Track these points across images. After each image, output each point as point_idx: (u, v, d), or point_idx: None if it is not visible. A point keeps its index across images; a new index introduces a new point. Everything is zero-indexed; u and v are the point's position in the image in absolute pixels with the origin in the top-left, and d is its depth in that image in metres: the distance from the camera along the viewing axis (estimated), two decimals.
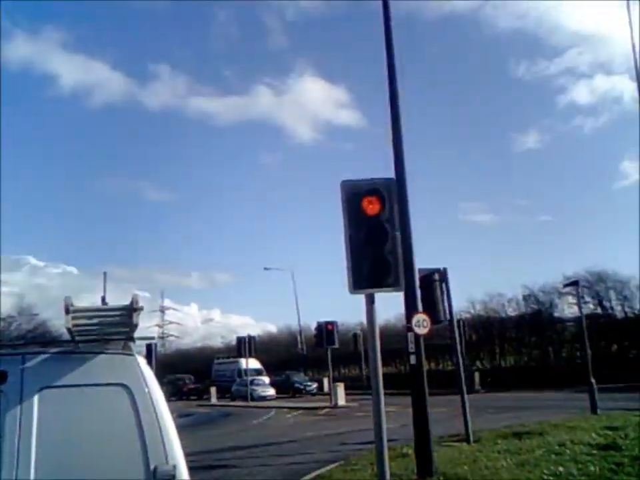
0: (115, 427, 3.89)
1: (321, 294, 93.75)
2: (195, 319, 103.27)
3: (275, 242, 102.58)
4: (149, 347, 23.64)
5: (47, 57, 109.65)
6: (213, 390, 47.14)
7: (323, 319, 33.44)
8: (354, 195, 7.08)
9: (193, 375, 57.51)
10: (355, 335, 45.54)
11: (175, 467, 3.82)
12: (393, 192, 7.28)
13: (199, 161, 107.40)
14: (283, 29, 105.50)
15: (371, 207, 7.04)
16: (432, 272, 12.41)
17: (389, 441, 6.76)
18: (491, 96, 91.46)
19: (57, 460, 3.72)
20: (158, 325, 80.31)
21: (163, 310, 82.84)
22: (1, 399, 3.81)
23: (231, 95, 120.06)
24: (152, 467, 3.77)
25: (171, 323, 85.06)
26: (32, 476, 3.62)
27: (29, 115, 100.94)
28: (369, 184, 7.19)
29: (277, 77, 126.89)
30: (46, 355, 4.08)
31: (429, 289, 12.09)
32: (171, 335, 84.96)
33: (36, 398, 3.84)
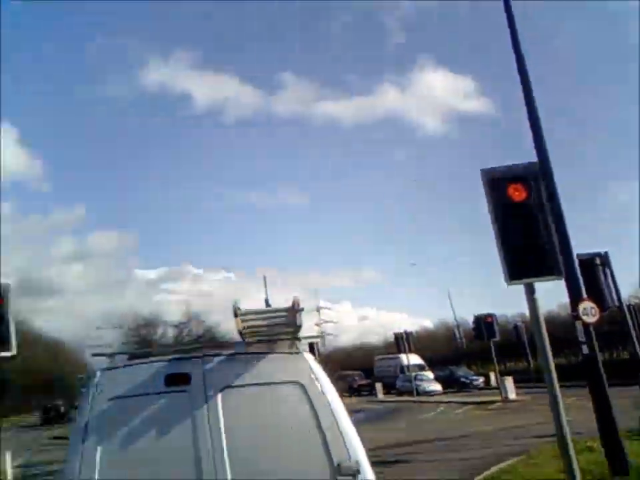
0: (295, 424, 3.98)
1: (474, 286, 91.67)
2: (350, 317, 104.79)
3: (418, 237, 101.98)
4: (311, 345, 24.20)
5: (181, 77, 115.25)
6: (379, 386, 47.35)
7: (477, 312, 32.74)
8: (497, 182, 6.83)
9: (352, 371, 58.00)
10: (516, 327, 43.81)
11: (357, 462, 3.84)
12: (538, 177, 6.96)
13: (330, 163, 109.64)
14: (400, 26, 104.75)
15: (517, 194, 6.76)
16: (592, 256, 11.51)
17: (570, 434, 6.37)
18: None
19: (247, 456, 3.87)
20: (316, 324, 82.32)
21: (318, 309, 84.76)
22: (187, 399, 4.03)
23: (357, 96, 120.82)
24: (335, 463, 3.81)
25: (327, 322, 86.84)
26: (228, 472, 3.80)
27: (167, 133, 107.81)
28: (512, 170, 6.90)
29: (399, 73, 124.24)
30: (222, 357, 4.27)
31: (592, 275, 11.22)
32: (329, 334, 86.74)
33: (218, 397, 4.03)
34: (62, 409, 50.90)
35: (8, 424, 52.29)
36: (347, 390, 49.02)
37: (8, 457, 12.31)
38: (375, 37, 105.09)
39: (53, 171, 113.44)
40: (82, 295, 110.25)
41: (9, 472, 12.00)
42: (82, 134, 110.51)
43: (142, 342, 50.61)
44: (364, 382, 54.25)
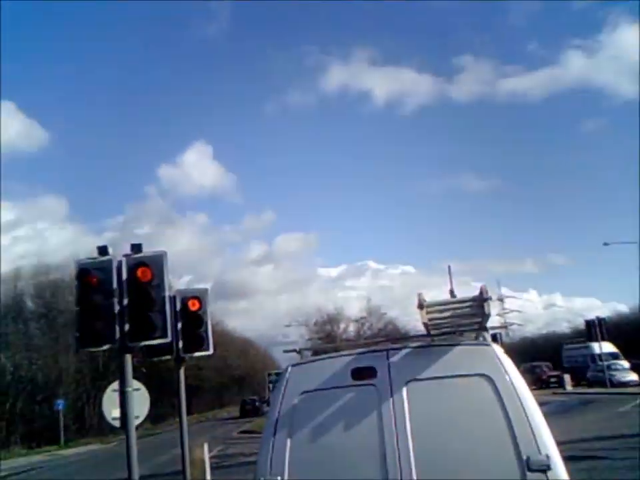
0: (481, 417, 3.91)
1: None
2: (536, 305, 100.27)
3: (611, 215, 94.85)
4: (494, 336, 23.58)
5: (360, 76, 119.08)
6: (567, 377, 44.83)
7: None
8: None
9: (540, 362, 55.37)
10: None
11: (548, 456, 3.69)
12: None
13: (515, 143, 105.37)
14: None
15: None
16: None
17: None
18: None
19: (432, 449, 3.86)
20: (499, 315, 79.75)
21: (501, 299, 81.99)
22: (373, 392, 4.10)
23: (540, 68, 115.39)
24: (524, 457, 3.70)
25: (511, 311, 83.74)
26: (413, 465, 3.82)
27: (346, 134, 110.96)
28: None
29: (586, 36, 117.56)
30: (407, 350, 4.28)
31: None
32: (513, 323, 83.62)
33: (404, 390, 4.05)
34: (256, 403, 54.46)
35: (203, 418, 56.75)
36: (535, 382, 46.68)
37: (205, 448, 13.31)
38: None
39: (244, 182, 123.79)
40: (271, 295, 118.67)
41: (207, 462, 12.96)
42: (268, 145, 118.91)
43: (326, 337, 52.45)
44: (553, 373, 51.34)
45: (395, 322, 62.81)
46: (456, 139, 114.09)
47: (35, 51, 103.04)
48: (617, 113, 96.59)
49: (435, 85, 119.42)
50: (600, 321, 40.45)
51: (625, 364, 44.13)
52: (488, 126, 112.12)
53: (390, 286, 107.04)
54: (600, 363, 41.15)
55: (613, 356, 44.83)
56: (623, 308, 69.79)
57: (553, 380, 49.12)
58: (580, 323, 47.44)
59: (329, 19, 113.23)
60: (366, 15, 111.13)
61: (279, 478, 3.99)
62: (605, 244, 53.92)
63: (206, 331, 9.37)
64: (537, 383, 45.99)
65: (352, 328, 59.85)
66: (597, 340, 39.95)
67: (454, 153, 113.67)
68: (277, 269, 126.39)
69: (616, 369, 41.88)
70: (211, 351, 9.71)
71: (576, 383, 44.88)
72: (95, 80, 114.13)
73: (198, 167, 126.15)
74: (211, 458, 14.28)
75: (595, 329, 39.72)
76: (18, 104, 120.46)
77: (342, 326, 60.09)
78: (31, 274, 54.44)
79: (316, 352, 5.42)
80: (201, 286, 9.91)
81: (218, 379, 73.15)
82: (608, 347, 43.19)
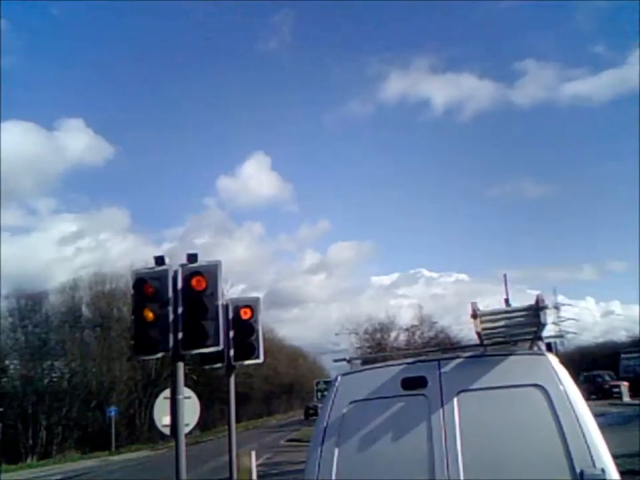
0: (534, 428, 3.83)
1: None
2: (593, 313, 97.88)
3: None
4: (548, 345, 23.04)
5: (419, 84, 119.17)
6: (624, 387, 43.38)
7: None
8: None
9: (601, 370, 53.57)
10: None
11: (604, 470, 3.59)
12: None
13: (576, 148, 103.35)
14: None
15: None
16: None
17: None
18: None
19: (482, 460, 3.80)
20: (554, 323, 77.98)
21: (557, 307, 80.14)
22: (423, 402, 4.08)
23: (605, 70, 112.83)
24: (578, 470, 3.61)
25: (567, 319, 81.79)
26: (462, 475, 3.78)
27: (403, 143, 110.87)
28: None
29: None
30: (459, 360, 4.24)
31: None
32: (569, 332, 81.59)
33: (455, 401, 4.01)
34: (318, 408, 54.07)
35: (251, 426, 57.06)
36: (597, 391, 45.12)
37: (253, 456, 13.38)
38: None
39: (301, 192, 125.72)
40: (322, 304, 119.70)
41: (254, 470, 13.01)
42: (326, 155, 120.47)
43: (376, 346, 52.15)
44: (616, 382, 49.32)
45: (446, 331, 61.96)
46: (515, 144, 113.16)
47: (102, 70, 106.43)
48: None
49: (496, 91, 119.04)
50: None
51: None
52: (549, 131, 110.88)
53: (443, 294, 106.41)
54: None
55: None
56: None
57: (615, 390, 47.43)
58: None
59: (388, 28, 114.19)
60: (426, 21, 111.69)
61: None
62: None
63: (257, 340, 9.46)
64: (599, 392, 44.43)
65: (402, 337, 59.27)
66: None
67: (513, 159, 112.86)
68: (329, 278, 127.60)
69: None
70: (261, 360, 9.80)
71: (634, 394, 43.42)
72: (158, 94, 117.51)
73: (256, 177, 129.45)
74: (258, 466, 14.35)
75: None
76: (87, 121, 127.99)
77: (392, 334, 59.55)
78: (88, 283, 55.99)
79: (366, 361, 5.42)
80: (255, 294, 10.09)
81: (267, 387, 73.61)
82: None
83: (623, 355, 53.86)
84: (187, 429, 8.49)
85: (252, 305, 9.45)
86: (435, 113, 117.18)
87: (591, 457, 3.64)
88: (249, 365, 11.18)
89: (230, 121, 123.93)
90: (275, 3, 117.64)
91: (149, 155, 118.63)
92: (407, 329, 59.10)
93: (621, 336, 71.02)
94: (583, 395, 4.02)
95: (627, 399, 41.66)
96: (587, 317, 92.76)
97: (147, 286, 6.87)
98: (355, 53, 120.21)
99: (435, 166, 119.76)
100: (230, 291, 52.15)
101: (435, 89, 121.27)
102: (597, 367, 54.13)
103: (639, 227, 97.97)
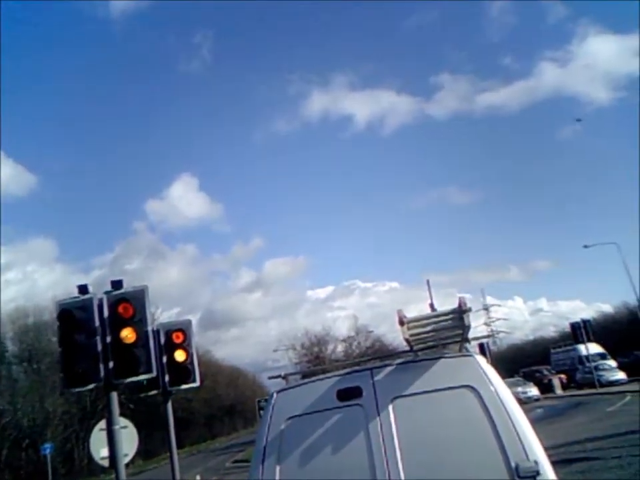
0: (468, 428, 3.92)
1: None
2: (522, 312, 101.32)
3: (590, 218, 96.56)
4: (481, 346, 23.81)
5: (340, 101, 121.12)
6: (556, 380, 44.94)
7: None
8: None
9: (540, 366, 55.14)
10: None
11: (537, 462, 3.72)
12: None
13: (496, 154, 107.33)
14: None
15: None
16: None
17: None
18: None
19: (421, 464, 3.86)
20: (485, 324, 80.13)
21: (486, 308, 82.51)
22: (360, 412, 4.11)
23: (515, 81, 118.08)
24: (513, 464, 3.72)
25: (497, 319, 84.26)
26: (402, 475, 3.84)
27: (329, 158, 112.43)
28: None
29: (558, 48, 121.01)
30: (391, 367, 4.30)
31: None
32: (501, 332, 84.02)
33: (390, 408, 4.07)
34: None
35: (195, 451, 55.98)
36: (537, 386, 46.13)
37: (198, 478, 13.14)
38: (530, 15, 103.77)
39: (231, 211, 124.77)
40: (260, 321, 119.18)
41: None
42: (253, 173, 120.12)
43: (314, 359, 52.15)
44: (552, 376, 50.32)
45: (382, 339, 62.83)
46: (437, 155, 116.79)
47: (16, 97, 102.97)
48: (591, 119, 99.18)
49: (415, 104, 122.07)
50: (585, 322, 40.75)
51: (613, 363, 44.41)
52: (468, 140, 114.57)
53: (378, 303, 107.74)
54: (588, 364, 41.39)
55: (601, 356, 45.12)
56: (607, 308, 70.46)
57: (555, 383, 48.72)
58: (566, 327, 47.75)
59: (306, 46, 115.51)
60: (342, 40, 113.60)
61: None
62: (585, 246, 54.65)
63: (192, 363, 9.30)
64: (538, 386, 45.65)
65: (340, 348, 59.71)
66: (583, 342, 40.21)
67: (435, 169, 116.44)
68: (266, 295, 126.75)
69: (604, 369, 42.16)
70: (197, 383, 9.65)
71: (565, 386, 45.03)
72: (78, 118, 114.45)
73: (184, 199, 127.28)
74: None
75: (580, 331, 39.97)
76: (6, 151, 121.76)
77: (330, 347, 59.87)
78: (9, 318, 53.68)
79: (304, 375, 5.41)
80: (190, 317, 9.95)
81: (208, 410, 72.30)
82: (595, 348, 43.49)
83: (552, 351, 55.81)
84: (126, 459, 8.26)
85: (184, 328, 9.30)
86: (357, 128, 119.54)
87: (525, 450, 3.76)
88: (187, 389, 10.98)
89: (155, 143, 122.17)
90: (192, 23, 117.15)
91: (72, 182, 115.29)
92: (343, 340, 59.57)
93: (550, 332, 73.85)
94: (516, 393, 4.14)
95: (559, 391, 43.19)
96: (516, 316, 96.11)
97: (71, 316, 6.67)
98: (276, 72, 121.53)
99: (361, 179, 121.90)
100: (162, 315, 51.19)
101: (356, 105, 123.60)
102: (530, 363, 55.92)
103: (557, 226, 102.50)
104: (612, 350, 47.52)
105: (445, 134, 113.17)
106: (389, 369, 4.28)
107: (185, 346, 9.18)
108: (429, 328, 4.31)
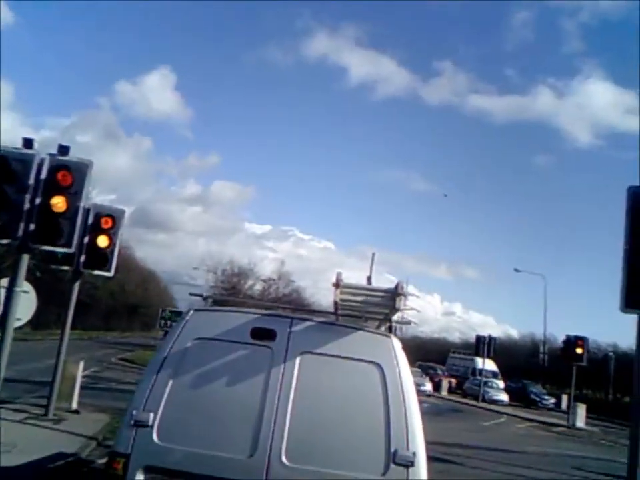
0: (363, 401, 3.99)
1: (573, 305, 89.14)
2: (436, 310, 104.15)
3: (530, 242, 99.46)
4: (389, 328, 24.29)
5: (342, 51, 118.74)
6: (445, 382, 46.66)
7: (570, 332, 31.07)
8: None
9: (436, 364, 57.09)
10: (606, 357, 41.96)
11: (414, 454, 3.81)
12: None
13: (467, 157, 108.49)
14: (578, 32, 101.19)
15: None
16: None
17: None
18: None
19: (309, 417, 3.94)
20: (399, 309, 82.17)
21: (405, 295, 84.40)
22: (267, 354, 4.10)
23: (510, 94, 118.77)
24: (392, 450, 3.80)
25: (412, 309, 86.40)
26: (286, 430, 3.88)
27: (320, 103, 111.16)
28: None
29: (561, 78, 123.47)
30: (311, 323, 4.29)
31: None
32: (411, 321, 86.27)
33: (297, 360, 4.08)
34: None
35: (86, 337, 55.63)
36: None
37: (81, 366, 13.07)
38: (548, 37, 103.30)
39: (199, 119, 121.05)
40: (191, 236, 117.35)
41: (79, 379, 12.74)
42: (233, 92, 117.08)
43: (230, 289, 52.21)
44: (448, 379, 51.85)
45: (301, 292, 63.52)
46: (414, 137, 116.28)
47: None
48: (566, 156, 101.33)
49: (411, 82, 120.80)
50: (490, 339, 42.16)
51: (501, 384, 46.52)
52: (447, 134, 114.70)
53: (308, 257, 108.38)
54: (479, 377, 43.08)
55: (493, 374, 47.12)
56: (513, 332, 73.48)
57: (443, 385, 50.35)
58: (471, 337, 49.47)
59: None
60: None
61: (151, 414, 3.94)
62: (516, 270, 56.62)
63: (112, 252, 9.10)
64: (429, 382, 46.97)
65: (258, 286, 60.03)
66: (482, 356, 41.72)
67: (408, 150, 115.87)
68: (205, 212, 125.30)
69: (491, 387, 44.06)
70: (111, 273, 9.48)
71: (451, 390, 46.82)
72: None
73: (157, 92, 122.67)
74: (83, 377, 14.00)
75: (483, 345, 41.32)
76: None
77: (249, 282, 60.11)
78: None
79: (217, 302, 5.33)
80: (124, 207, 9.64)
81: (111, 303, 71.73)
82: (490, 365, 45.30)
83: (451, 354, 57.79)
84: (18, 323, 8.05)
85: (115, 216, 9.05)
86: (349, 84, 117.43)
87: (407, 439, 3.85)
88: (97, 276, 10.75)
89: (145, 24, 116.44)
90: None
91: (51, 31, 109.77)
92: (264, 280, 59.89)
93: (455, 337, 76.44)
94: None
95: (444, 393, 44.90)
96: (430, 311, 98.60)
97: (7, 166, 6.30)
98: (289, 1, 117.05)
99: (334, 134, 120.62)
100: (98, 197, 49.99)
101: (356, 61, 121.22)
102: (428, 359, 57.71)
103: (496, 242, 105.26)
104: (505, 372, 49.71)
105: (429, 120, 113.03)
106: (309, 323, 4.28)
107: (111, 233, 8.95)
108: (359, 298, 4.30)
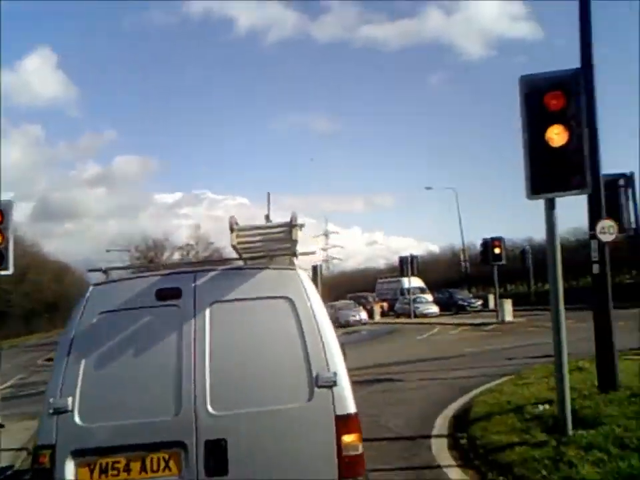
0: (279, 337, 4.03)
1: (484, 211, 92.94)
2: (358, 242, 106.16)
3: (436, 160, 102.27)
4: (314, 268, 24.60)
5: (225, 3, 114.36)
6: (376, 307, 47.92)
7: (487, 236, 32.57)
8: (535, 90, 6.55)
9: (366, 292, 58.33)
10: (523, 251, 44.14)
11: (335, 373, 3.91)
12: (580, 84, 6.62)
13: (365, 89, 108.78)
14: None
15: (555, 102, 6.48)
16: (617, 177, 11.06)
17: None
18: None
19: (228, 363, 3.95)
20: (323, 249, 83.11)
21: (326, 234, 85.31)
22: (176, 313, 4.06)
23: (401, 19, 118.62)
24: (314, 374, 3.89)
25: (335, 246, 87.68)
26: (208, 383, 3.88)
27: (210, 59, 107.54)
28: (553, 77, 6.61)
29: None
30: (215, 273, 4.25)
31: (613, 195, 10.77)
32: (335, 258, 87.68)
33: (207, 312, 4.05)
34: None
35: (7, 345, 53.39)
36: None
37: None
38: None
39: (88, 96, 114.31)
40: (100, 219, 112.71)
41: None
42: (118, 60, 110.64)
43: (148, 263, 51.08)
44: (381, 304, 51.81)
45: (222, 252, 62.94)
46: (310, 78, 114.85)
47: None
48: (459, 70, 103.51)
49: (299, 22, 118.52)
50: (412, 258, 43.54)
51: (429, 297, 48.41)
52: (343, 69, 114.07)
53: (224, 217, 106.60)
54: (407, 296, 44.62)
55: (421, 290, 48.97)
56: (434, 248, 76.19)
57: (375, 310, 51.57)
58: (395, 261, 50.71)
59: None
60: None
61: (69, 399, 3.85)
62: (427, 188, 58.38)
63: (6, 248, 8.64)
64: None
65: (177, 255, 59.05)
66: (407, 275, 43.10)
67: (306, 92, 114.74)
68: (110, 192, 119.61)
69: (420, 302, 45.83)
70: (10, 271, 9.00)
71: (385, 314, 48.33)
72: None
73: (39, 74, 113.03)
74: (8, 387, 13.46)
75: (406, 265, 42.73)
76: None
77: (167, 254, 59.01)
78: None
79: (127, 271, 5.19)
80: (23, 204, 9.11)
81: (28, 305, 68.89)
82: (416, 282, 46.92)
83: (379, 280, 59.42)
84: None
85: (3, 209, 8.56)
86: (238, 34, 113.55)
87: (327, 362, 3.94)
88: (7, 280, 10.18)
89: (13, 7, 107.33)
90: None
91: None
92: (181, 248, 59.00)
93: (380, 264, 78.44)
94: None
95: (377, 317, 46.25)
96: (353, 245, 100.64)
97: None
98: None
99: (229, 87, 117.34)
100: None
101: (241, 11, 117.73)
102: (359, 290, 59.12)
103: (405, 166, 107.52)
104: (431, 286, 51.72)
105: (323, 58, 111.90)
106: (212, 273, 4.23)
107: (2, 229, 8.48)
108: (258, 238, 4.29)
